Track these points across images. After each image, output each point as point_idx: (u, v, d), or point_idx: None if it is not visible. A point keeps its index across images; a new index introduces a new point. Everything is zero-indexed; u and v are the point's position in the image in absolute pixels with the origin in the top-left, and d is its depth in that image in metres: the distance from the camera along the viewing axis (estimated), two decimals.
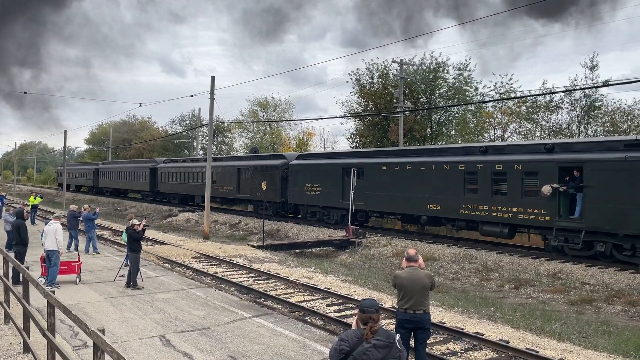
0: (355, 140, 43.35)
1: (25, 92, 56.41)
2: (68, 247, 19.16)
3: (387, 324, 11.08)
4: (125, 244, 15.29)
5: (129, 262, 14.19)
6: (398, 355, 4.13)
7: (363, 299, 4.47)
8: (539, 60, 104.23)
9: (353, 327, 4.35)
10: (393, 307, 12.05)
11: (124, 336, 9.35)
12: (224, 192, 38.20)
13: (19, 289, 9.47)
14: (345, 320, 11.03)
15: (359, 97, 42.27)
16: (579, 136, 31.44)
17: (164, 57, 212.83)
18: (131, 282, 13.59)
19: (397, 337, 4.21)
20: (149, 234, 26.50)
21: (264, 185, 29.71)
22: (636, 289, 15.48)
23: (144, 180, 50.95)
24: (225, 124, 60.81)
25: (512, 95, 35.16)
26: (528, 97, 33.57)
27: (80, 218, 20.36)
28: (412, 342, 7.68)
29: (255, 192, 33.05)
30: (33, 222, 28.98)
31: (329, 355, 4.30)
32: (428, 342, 8.65)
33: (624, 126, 30.46)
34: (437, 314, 11.60)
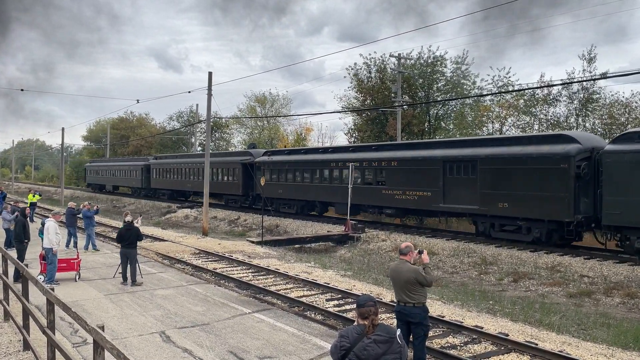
0: (354, 135, 43.33)
1: (22, 90, 56.12)
2: (67, 245, 19.15)
3: (387, 318, 11.10)
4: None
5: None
6: (399, 350, 4.12)
7: (360, 296, 4.46)
8: (538, 53, 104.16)
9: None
10: (392, 301, 12.08)
11: (124, 333, 9.36)
12: (406, 200, 24.18)
13: (18, 287, 9.47)
14: (344, 315, 11.06)
15: (356, 92, 42.24)
16: (577, 129, 31.44)
17: (160, 53, 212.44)
18: (131, 278, 13.62)
19: (398, 332, 4.21)
20: (148, 230, 26.51)
21: (263, 181, 28.23)
22: (634, 281, 15.53)
23: (231, 180, 37.45)
24: (223, 119, 60.72)
25: (510, 88, 35.12)
26: (526, 90, 33.55)
27: (79, 215, 20.34)
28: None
29: (494, 201, 20.30)
30: (32, 220, 28.94)
31: (330, 352, 4.30)
32: (428, 335, 8.67)
33: (622, 118, 30.45)
34: (437, 308, 11.63)
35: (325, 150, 31.87)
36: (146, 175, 50.60)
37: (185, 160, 44.57)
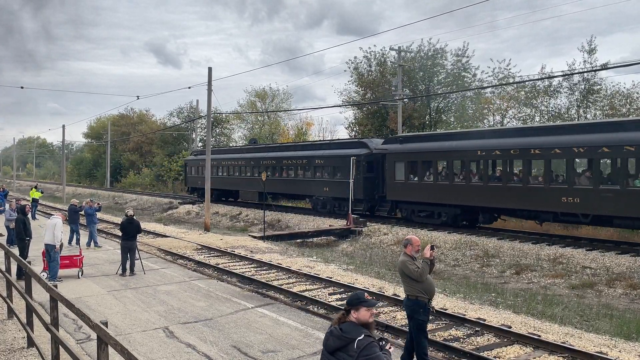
0: (354, 129, 43.29)
1: (22, 87, 56.13)
2: (69, 242, 19.21)
3: (389, 311, 11.13)
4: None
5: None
6: (354, 355, 3.88)
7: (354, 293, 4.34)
8: (540, 44, 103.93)
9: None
10: (394, 294, 12.11)
11: (127, 329, 9.38)
12: None
13: (22, 284, 9.49)
14: None
15: (357, 86, 42.17)
16: (577, 120, 31.36)
17: (159, 48, 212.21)
18: (130, 269, 14.31)
19: (361, 337, 3.94)
20: (150, 226, 26.54)
21: (263, 177, 28.10)
22: (637, 272, 15.52)
23: None
24: (224, 115, 60.60)
25: (511, 80, 35.02)
26: (527, 82, 33.46)
27: (82, 212, 20.38)
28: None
29: None
30: (34, 217, 28.98)
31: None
32: (429, 329, 8.69)
33: (623, 109, 30.38)
34: (440, 301, 11.64)
35: None
36: (368, 175, 26.68)
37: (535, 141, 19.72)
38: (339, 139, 36.20)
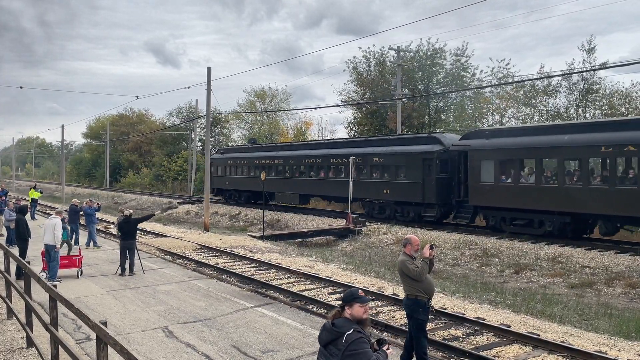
0: (354, 129, 43.29)
1: (21, 87, 56.11)
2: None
3: (389, 310, 11.13)
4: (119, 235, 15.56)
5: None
6: (342, 350, 3.92)
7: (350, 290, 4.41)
8: (540, 43, 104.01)
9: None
10: (394, 294, 12.12)
11: (126, 328, 9.38)
12: None
13: (21, 284, 9.49)
14: None
15: (356, 86, 42.17)
16: (577, 119, 31.39)
17: (158, 48, 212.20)
18: (129, 268, 14.32)
19: (350, 332, 3.97)
20: (149, 226, 26.53)
21: (263, 176, 28.05)
22: (636, 271, 15.54)
23: None
24: (223, 115, 60.57)
25: (510, 80, 35.05)
26: (526, 82, 33.48)
27: (82, 212, 20.38)
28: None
29: None
30: (33, 217, 28.96)
31: None
32: (429, 328, 8.70)
33: (622, 109, 30.41)
34: (439, 300, 11.65)
35: None
36: (442, 175, 23.18)
37: None
38: (402, 135, 30.90)
